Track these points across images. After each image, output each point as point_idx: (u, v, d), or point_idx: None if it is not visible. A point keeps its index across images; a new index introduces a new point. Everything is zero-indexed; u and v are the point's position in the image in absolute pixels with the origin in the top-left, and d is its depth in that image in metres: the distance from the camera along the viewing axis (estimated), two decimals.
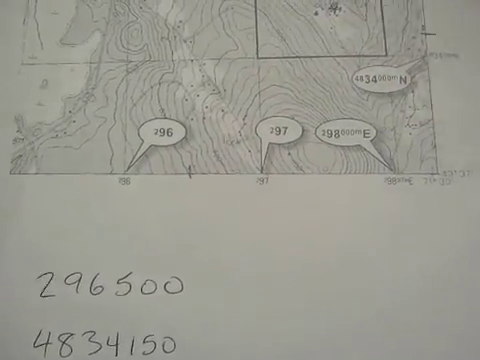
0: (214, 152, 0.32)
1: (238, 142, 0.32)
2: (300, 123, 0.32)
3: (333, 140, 0.32)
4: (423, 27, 0.34)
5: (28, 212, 0.31)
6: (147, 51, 0.34)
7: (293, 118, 0.32)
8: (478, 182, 0.32)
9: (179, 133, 0.32)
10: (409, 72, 0.33)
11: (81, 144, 0.32)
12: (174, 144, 0.32)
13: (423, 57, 0.33)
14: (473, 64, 0.33)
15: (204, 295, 0.30)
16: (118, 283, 0.30)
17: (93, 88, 0.33)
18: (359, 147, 0.32)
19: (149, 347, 0.29)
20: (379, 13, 0.34)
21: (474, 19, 0.34)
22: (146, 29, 0.34)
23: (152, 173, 0.32)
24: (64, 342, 0.29)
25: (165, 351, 0.29)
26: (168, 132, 0.32)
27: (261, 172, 0.32)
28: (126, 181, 0.32)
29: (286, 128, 0.32)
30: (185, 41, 0.34)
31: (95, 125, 0.32)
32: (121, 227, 0.31)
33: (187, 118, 0.32)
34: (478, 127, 0.32)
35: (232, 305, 0.30)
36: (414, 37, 0.34)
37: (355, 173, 0.32)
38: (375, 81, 0.33)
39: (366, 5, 0.34)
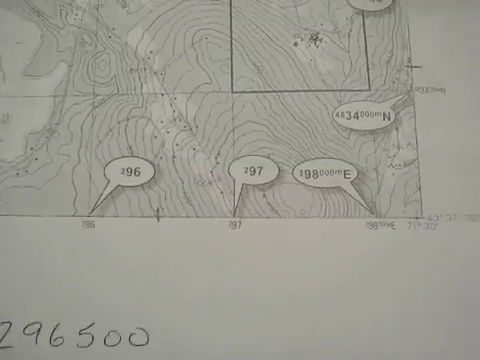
0: (184, 194, 0.33)
1: (210, 183, 0.33)
2: (276, 163, 0.33)
3: (311, 181, 0.33)
4: (409, 60, 0.35)
5: None
6: (115, 84, 0.34)
7: (269, 157, 0.33)
8: (465, 227, 0.32)
9: (147, 173, 0.33)
10: (393, 108, 0.34)
11: (43, 184, 0.33)
12: (142, 184, 0.33)
13: (408, 92, 0.34)
14: (461, 99, 0.34)
15: (171, 348, 0.30)
16: (80, 334, 0.31)
17: (57, 123, 0.34)
18: (339, 189, 0.33)
19: None
20: (362, 44, 0.35)
21: (462, 51, 0.35)
22: (114, 60, 0.35)
23: (118, 216, 0.32)
24: None
25: None
26: (136, 171, 0.33)
27: (234, 215, 0.32)
28: (90, 224, 0.32)
29: (261, 168, 0.33)
30: (155, 73, 0.34)
31: (58, 163, 0.33)
32: (84, 274, 0.32)
33: (156, 156, 0.33)
34: (466, 168, 0.33)
35: (202, 357, 0.30)
36: (399, 70, 0.34)
37: (334, 217, 0.32)
38: (357, 117, 0.33)
39: (349, 36, 0.35)
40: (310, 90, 0.34)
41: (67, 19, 0.35)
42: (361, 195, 0.33)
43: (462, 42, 0.35)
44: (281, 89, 0.34)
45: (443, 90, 0.34)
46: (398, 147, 0.33)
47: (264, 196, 0.33)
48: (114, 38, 0.35)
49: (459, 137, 0.34)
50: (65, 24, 0.35)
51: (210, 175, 0.33)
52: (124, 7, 0.36)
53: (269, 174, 0.33)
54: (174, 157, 0.33)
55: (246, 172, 0.33)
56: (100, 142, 0.33)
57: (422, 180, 0.33)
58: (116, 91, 0.34)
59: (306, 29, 0.35)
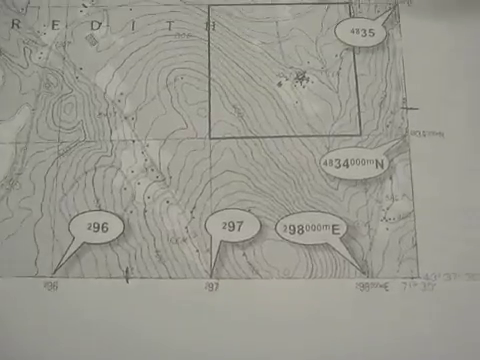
0: (156, 252, 0.32)
1: (184, 240, 0.32)
2: (258, 217, 0.32)
3: (296, 237, 0.32)
4: (404, 101, 0.34)
5: None
6: (82, 129, 0.34)
7: (249, 211, 0.32)
8: (465, 287, 0.31)
9: (116, 228, 0.32)
10: (387, 154, 0.33)
11: (2, 241, 0.32)
12: (110, 242, 0.32)
13: (404, 136, 0.33)
14: (461, 144, 0.34)
15: None
16: None
17: (18, 173, 0.33)
18: (327, 246, 0.32)
19: None
20: (353, 84, 0.34)
21: (462, 91, 0.34)
22: (82, 103, 0.34)
23: (83, 276, 0.32)
24: None
25: None
26: (103, 227, 0.32)
27: (210, 276, 0.31)
28: (53, 286, 0.32)
29: (241, 223, 0.32)
30: (126, 118, 0.34)
31: (19, 218, 0.32)
32: (46, 340, 0.31)
33: (126, 210, 0.32)
34: (466, 221, 0.32)
35: None
36: (393, 112, 0.34)
37: (321, 278, 0.32)
38: (347, 166, 0.33)
39: (338, 75, 0.34)
40: (295, 136, 0.33)
41: (31, 58, 0.35)
42: (351, 253, 0.32)
43: (462, 81, 0.34)
44: (263, 135, 0.33)
45: (441, 134, 0.34)
46: (392, 198, 0.33)
47: (244, 254, 0.32)
48: (82, 79, 0.35)
49: (460, 187, 0.33)
50: (29, 63, 0.35)
51: (185, 231, 0.32)
52: (93, 44, 0.35)
53: (250, 230, 0.32)
54: (145, 211, 0.32)
55: (224, 228, 0.32)
56: (65, 194, 0.33)
57: (418, 235, 0.32)
58: (83, 137, 0.34)
59: (291, 67, 0.35)
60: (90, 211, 0.33)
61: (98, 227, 0.33)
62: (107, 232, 0.32)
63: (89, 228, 0.33)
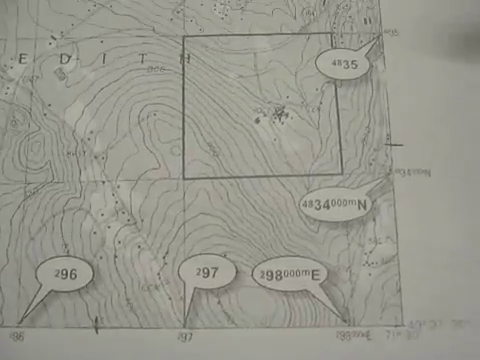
0: (127, 300, 0.32)
1: (157, 287, 0.32)
2: (233, 262, 0.32)
3: (274, 284, 0.32)
4: (388, 137, 0.34)
5: None
6: (50, 170, 0.34)
7: (225, 256, 0.32)
8: (451, 335, 0.31)
9: (85, 275, 0.32)
10: (370, 194, 0.33)
11: None
12: (78, 289, 0.32)
13: (387, 175, 0.33)
14: (449, 183, 0.33)
15: None
16: None
17: None
18: (306, 293, 0.32)
19: None
20: (335, 120, 0.34)
21: (450, 126, 0.34)
22: (50, 142, 0.35)
23: (51, 326, 0.32)
24: None
25: None
26: (72, 274, 0.32)
27: (184, 326, 0.31)
28: (19, 336, 0.32)
29: (216, 269, 0.32)
30: (96, 157, 0.34)
31: None
32: None
33: (95, 256, 0.32)
34: (453, 265, 0.32)
35: None
36: (377, 149, 0.34)
37: (300, 326, 0.32)
38: (328, 207, 0.33)
39: (319, 110, 0.34)
40: (273, 175, 0.34)
41: None
42: (332, 300, 0.32)
43: (450, 115, 0.34)
44: (240, 174, 0.34)
45: (428, 172, 0.34)
46: (375, 241, 0.33)
47: (219, 302, 0.32)
48: (50, 116, 0.35)
49: (447, 228, 0.33)
50: None
51: (157, 278, 0.32)
52: (62, 79, 0.35)
53: (225, 276, 0.32)
54: (116, 257, 0.33)
55: (198, 274, 0.32)
56: (32, 239, 0.33)
57: (403, 280, 0.32)
58: (51, 178, 0.34)
59: (270, 102, 0.35)
60: (58, 257, 0.33)
61: (66, 274, 0.33)
62: (76, 279, 0.32)
63: (57, 275, 0.33)
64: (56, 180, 0.34)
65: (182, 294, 0.33)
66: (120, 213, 0.34)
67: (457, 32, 0.36)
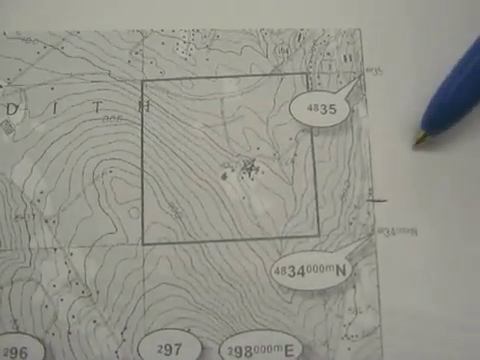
0: None
1: None
2: (198, 338, 0.34)
3: None
4: (370, 192, 0.35)
5: None
6: None
7: (189, 331, 0.34)
8: None
9: (36, 354, 0.35)
10: (350, 258, 0.35)
11: None
12: None
13: (369, 235, 0.35)
14: (437, 243, 0.35)
15: None
16: None
17: None
18: None
19: None
20: (310, 173, 0.36)
21: (437, 178, 0.35)
22: None
23: None
24: None
25: None
26: (22, 353, 0.34)
27: None
28: None
29: (179, 345, 0.34)
30: (47, 221, 0.35)
31: None
32: None
33: (47, 332, 0.34)
34: (442, 336, 0.34)
35: None
36: (357, 207, 0.35)
37: None
38: (302, 274, 0.34)
39: (293, 162, 0.36)
40: (242, 239, 0.35)
41: None
42: None
43: (439, 164, 0.35)
44: (205, 239, 0.35)
45: (414, 231, 0.35)
46: (355, 312, 0.34)
47: None
48: None
49: (436, 295, 0.35)
50: None
51: (115, 356, 0.34)
52: (9, 133, 0.37)
53: (189, 354, 0.35)
54: (70, 333, 0.34)
55: (160, 351, 0.34)
56: None
57: (385, 355, 0.34)
58: None
59: (238, 155, 0.36)
60: (6, 333, 0.35)
61: (16, 353, 0.35)
62: (26, 358, 0.34)
63: (5, 354, 0.35)
64: (3, 247, 0.36)
65: None
66: (74, 284, 0.35)
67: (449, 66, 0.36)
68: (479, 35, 0.34)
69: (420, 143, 0.36)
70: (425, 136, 0.36)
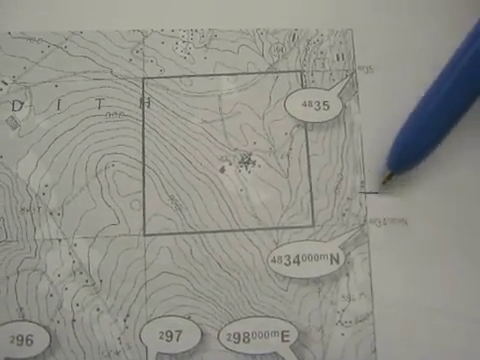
0: None
1: (117, 353, 0.34)
2: (198, 325, 0.35)
3: (242, 347, 0.35)
4: (362, 184, 0.36)
5: None
6: (3, 228, 0.36)
7: (189, 318, 0.35)
8: None
9: (41, 341, 0.35)
10: (343, 248, 0.35)
11: None
12: (35, 357, 0.34)
13: (362, 226, 0.36)
14: (427, 233, 0.35)
15: None
16: None
17: None
18: (276, 356, 0.34)
19: None
20: (305, 167, 0.37)
21: (428, 172, 0.36)
22: (2, 197, 0.37)
23: None
24: None
25: None
26: (27, 340, 0.35)
27: None
28: None
29: (180, 332, 0.35)
30: (51, 213, 0.36)
31: None
32: None
33: (52, 320, 0.35)
34: (433, 323, 0.35)
35: None
36: (350, 198, 0.36)
37: None
38: (298, 262, 0.35)
39: (288, 156, 0.37)
40: (240, 229, 0.36)
41: None
42: None
43: (429, 157, 0.36)
44: (204, 229, 0.36)
45: (404, 222, 0.36)
46: (349, 299, 0.35)
47: None
48: (2, 169, 0.37)
49: (426, 283, 0.36)
50: None
51: (118, 343, 0.35)
52: (14, 128, 0.37)
53: (189, 339, 0.35)
54: (74, 321, 0.35)
55: (161, 338, 0.35)
56: None
57: (378, 340, 0.35)
58: (4, 237, 0.36)
59: (236, 149, 0.37)
60: (12, 321, 0.35)
61: (22, 340, 0.35)
62: (32, 345, 0.35)
63: (12, 341, 0.35)
64: (9, 239, 0.37)
65: (144, 359, 0.35)
66: (78, 273, 0.36)
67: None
68: (437, 75, 0.35)
69: (387, 182, 0.37)
70: (392, 175, 0.36)
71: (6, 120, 0.39)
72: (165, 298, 0.36)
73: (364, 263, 0.36)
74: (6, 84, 0.39)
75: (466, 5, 0.38)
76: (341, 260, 0.36)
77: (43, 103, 0.39)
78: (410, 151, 0.35)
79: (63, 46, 0.40)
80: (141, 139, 0.38)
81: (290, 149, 0.38)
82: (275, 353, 0.35)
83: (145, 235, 0.37)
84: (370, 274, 0.36)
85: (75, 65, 0.39)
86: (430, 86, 0.36)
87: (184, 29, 0.40)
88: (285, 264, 0.36)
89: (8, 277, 0.36)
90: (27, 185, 0.38)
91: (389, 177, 0.37)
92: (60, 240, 0.37)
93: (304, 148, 0.38)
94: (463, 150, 0.37)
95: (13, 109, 0.39)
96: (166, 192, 0.37)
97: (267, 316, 0.36)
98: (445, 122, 0.35)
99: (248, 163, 0.38)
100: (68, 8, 0.40)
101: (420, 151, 0.36)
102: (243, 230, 0.37)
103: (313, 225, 0.37)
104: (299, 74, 0.39)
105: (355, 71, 0.39)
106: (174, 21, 0.40)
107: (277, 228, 0.37)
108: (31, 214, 0.37)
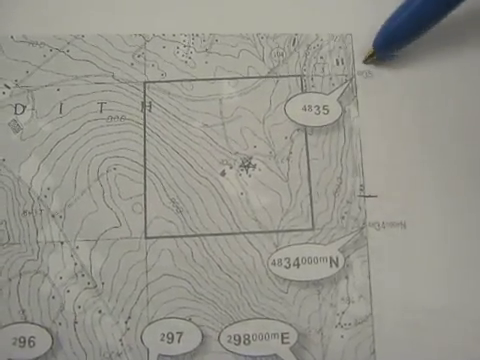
0: None
1: (119, 355, 0.35)
2: (199, 326, 0.35)
3: (242, 348, 0.35)
4: (362, 188, 0.36)
5: None
6: (5, 230, 0.37)
7: (190, 320, 0.35)
8: None
9: (44, 343, 0.35)
10: (342, 250, 0.36)
11: None
12: (37, 358, 0.35)
13: (361, 229, 0.36)
14: (426, 236, 0.36)
15: None
16: None
17: None
18: (275, 357, 0.35)
19: None
20: (305, 170, 0.37)
21: (427, 174, 0.36)
22: (5, 200, 0.37)
23: None
24: None
25: None
26: (30, 342, 0.35)
27: None
28: None
29: (181, 334, 0.35)
30: (53, 216, 0.36)
31: None
32: None
33: (54, 322, 0.35)
34: (431, 325, 0.35)
35: None
36: (349, 202, 0.36)
37: None
38: (298, 265, 0.35)
39: (288, 160, 0.37)
40: (240, 232, 0.36)
41: None
42: None
43: (427, 163, 0.36)
44: (205, 232, 0.36)
45: (403, 225, 0.36)
46: (348, 301, 0.35)
47: None
48: (4, 172, 0.37)
49: (424, 286, 0.36)
50: None
51: (119, 344, 0.35)
52: (17, 132, 0.38)
53: (190, 341, 0.35)
54: (76, 322, 0.35)
55: (162, 339, 0.35)
56: None
57: (377, 342, 0.35)
58: (6, 240, 0.36)
59: (236, 153, 0.37)
60: (15, 323, 0.36)
61: (24, 342, 0.35)
62: (34, 347, 0.35)
63: (14, 343, 0.35)
64: (12, 241, 0.37)
65: None
66: (80, 276, 0.36)
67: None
68: None
69: (368, 60, 0.39)
70: (373, 54, 0.39)
71: (8, 123, 0.39)
72: (166, 300, 0.36)
73: (363, 266, 0.36)
74: (9, 88, 0.39)
75: (465, 8, 0.39)
76: (340, 263, 0.36)
77: (45, 107, 0.39)
78: (395, 32, 0.38)
79: (65, 50, 0.40)
80: (142, 143, 0.38)
81: (290, 153, 0.38)
82: (275, 355, 0.35)
83: (146, 238, 0.37)
84: (369, 277, 0.36)
85: (77, 69, 0.40)
86: None
87: (185, 34, 0.40)
88: (285, 267, 0.36)
89: (10, 279, 0.37)
90: (29, 188, 0.38)
91: (371, 55, 0.39)
92: (62, 243, 0.37)
93: (304, 152, 0.38)
94: (462, 152, 0.37)
95: (15, 113, 0.39)
96: (167, 195, 0.38)
97: (267, 318, 0.36)
98: (431, 13, 0.37)
99: (248, 167, 0.38)
100: (70, 12, 0.40)
101: (403, 34, 0.38)
102: (243, 233, 0.37)
103: (313, 228, 0.37)
104: (299, 79, 0.39)
105: (354, 76, 0.39)
106: (175, 26, 0.40)
107: (277, 231, 0.37)
108: (33, 217, 0.37)
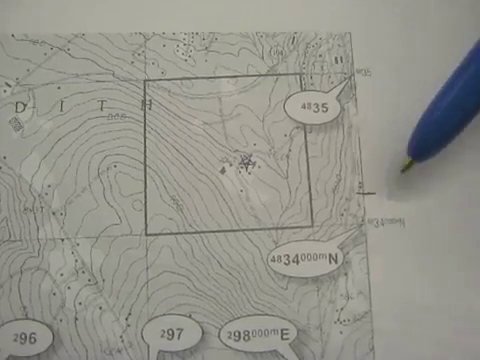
0: None
1: (119, 351, 0.35)
2: (199, 323, 0.35)
3: (242, 345, 0.35)
4: (360, 185, 0.36)
5: None
6: (6, 227, 0.37)
7: (190, 316, 0.35)
8: None
9: (45, 339, 0.35)
10: (341, 247, 0.36)
11: None
12: (38, 354, 0.35)
13: (360, 226, 0.36)
14: (424, 233, 0.36)
15: None
16: None
17: None
18: (275, 353, 0.35)
19: None
20: (304, 168, 0.37)
21: (424, 171, 0.36)
22: (6, 198, 0.37)
23: None
24: None
25: None
26: (31, 338, 0.35)
27: None
28: None
29: (181, 330, 0.35)
30: (54, 213, 0.36)
31: None
32: None
33: (55, 319, 0.35)
34: (430, 321, 0.35)
35: None
36: (348, 199, 0.37)
37: None
38: (297, 262, 0.35)
39: (287, 158, 0.37)
40: (240, 229, 0.36)
41: None
42: None
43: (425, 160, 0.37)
44: (205, 229, 0.36)
45: (402, 222, 0.36)
46: (347, 297, 0.36)
47: None
48: (5, 169, 0.37)
49: (423, 282, 0.36)
50: None
51: (120, 341, 0.35)
52: (18, 130, 0.38)
53: (190, 337, 0.35)
54: (77, 319, 0.35)
55: (163, 336, 0.35)
56: None
57: (376, 338, 0.35)
58: (8, 237, 0.37)
59: (236, 151, 0.37)
60: (16, 320, 0.36)
61: (25, 338, 0.35)
62: (35, 343, 0.35)
63: (15, 339, 0.35)
64: (13, 238, 0.37)
65: (146, 358, 0.35)
66: (80, 272, 0.36)
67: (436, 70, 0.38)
68: (461, 61, 0.36)
69: (406, 171, 0.36)
70: (412, 162, 0.36)
71: (10, 121, 0.39)
72: (166, 297, 0.36)
73: (362, 263, 0.37)
74: (9, 86, 0.39)
75: (464, 8, 0.39)
76: (339, 260, 0.36)
77: (46, 105, 0.39)
78: (432, 137, 0.35)
79: (66, 48, 0.40)
80: (143, 140, 0.38)
81: (289, 150, 0.38)
82: (275, 351, 0.35)
83: (147, 235, 0.37)
84: (368, 273, 0.36)
85: (77, 67, 0.40)
86: (454, 71, 0.36)
87: (185, 32, 0.40)
88: (284, 263, 0.36)
89: (12, 276, 0.37)
90: (30, 185, 0.38)
91: (409, 165, 0.36)
92: (63, 240, 0.37)
93: (303, 149, 0.38)
94: (461, 152, 0.37)
95: (16, 110, 0.39)
96: (167, 192, 0.38)
97: (267, 314, 0.36)
98: (471, 105, 0.34)
99: (248, 164, 0.38)
100: (71, 11, 0.40)
101: (443, 137, 0.35)
102: (243, 230, 0.37)
103: (312, 225, 0.37)
104: (298, 77, 0.39)
105: (353, 74, 0.39)
106: (175, 24, 0.40)
107: (276, 228, 0.37)
108: (34, 214, 0.38)
